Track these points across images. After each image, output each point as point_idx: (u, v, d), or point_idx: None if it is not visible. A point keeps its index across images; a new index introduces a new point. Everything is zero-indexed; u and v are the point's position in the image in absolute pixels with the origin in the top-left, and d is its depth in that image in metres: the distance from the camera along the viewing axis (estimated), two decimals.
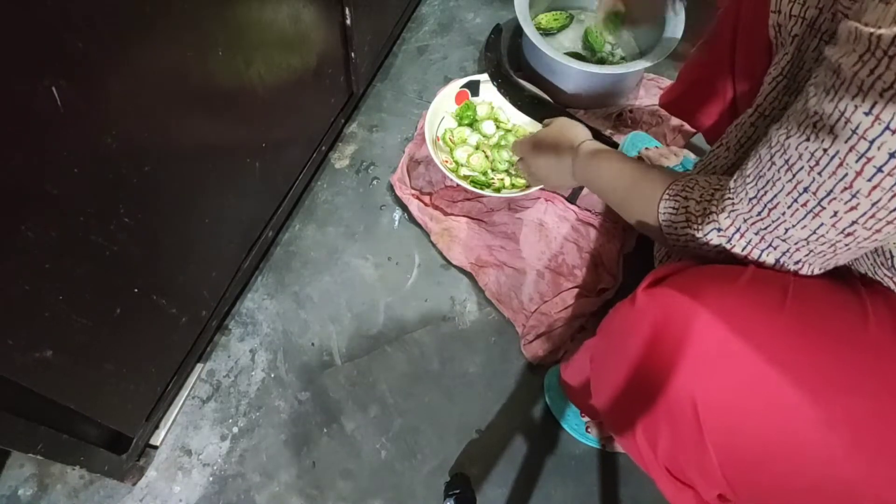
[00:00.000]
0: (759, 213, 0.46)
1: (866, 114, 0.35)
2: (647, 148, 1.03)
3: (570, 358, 0.80)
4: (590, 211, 1.04)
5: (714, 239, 0.50)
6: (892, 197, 0.36)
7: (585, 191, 1.05)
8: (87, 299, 0.57)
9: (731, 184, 0.49)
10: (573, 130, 0.75)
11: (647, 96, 1.20)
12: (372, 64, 1.17)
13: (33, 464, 0.83)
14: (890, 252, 0.46)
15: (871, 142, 0.35)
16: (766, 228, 0.46)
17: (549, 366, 0.92)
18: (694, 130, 1.11)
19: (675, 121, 1.13)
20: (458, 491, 0.79)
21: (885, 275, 0.48)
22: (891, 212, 0.37)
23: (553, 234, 1.02)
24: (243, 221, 0.88)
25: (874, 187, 0.37)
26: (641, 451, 0.54)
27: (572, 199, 1.05)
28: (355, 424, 0.88)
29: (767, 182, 0.44)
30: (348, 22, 0.94)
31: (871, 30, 0.34)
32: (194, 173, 0.68)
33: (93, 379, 0.64)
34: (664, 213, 0.55)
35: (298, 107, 0.91)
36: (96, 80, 0.48)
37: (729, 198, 0.49)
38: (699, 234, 0.51)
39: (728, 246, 0.50)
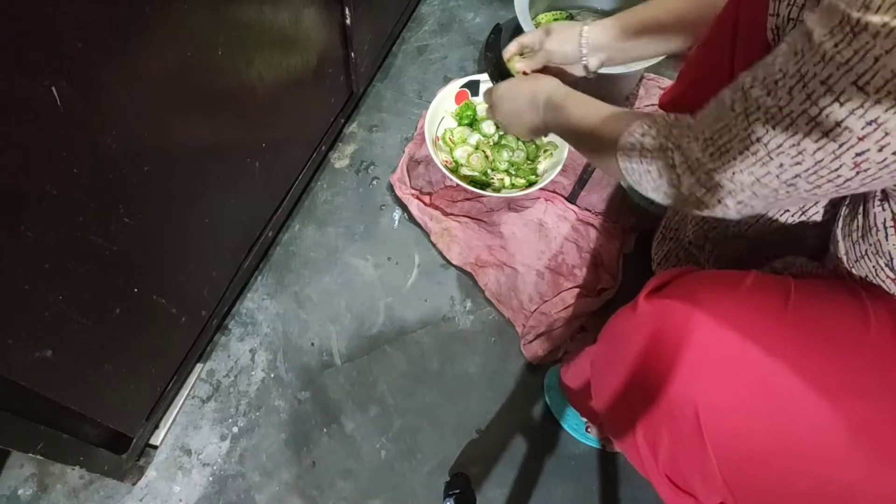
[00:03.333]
0: (712, 155, 0.47)
1: (822, 82, 0.37)
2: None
3: (570, 360, 0.80)
4: (590, 211, 1.04)
5: (665, 174, 0.51)
6: (834, 160, 0.39)
7: (585, 191, 1.05)
8: (87, 299, 0.57)
9: (689, 120, 0.50)
10: (545, 79, 0.76)
11: (647, 96, 1.20)
12: (372, 64, 1.17)
13: (33, 464, 0.83)
14: (890, 254, 0.46)
15: (822, 109, 0.37)
16: (714, 169, 0.47)
17: (548, 366, 0.92)
18: None
19: None
20: (458, 491, 0.79)
21: (888, 276, 0.48)
22: (832, 171, 0.40)
23: (553, 233, 1.02)
24: (243, 221, 0.88)
25: (819, 149, 0.39)
26: (642, 457, 0.54)
27: (572, 199, 1.05)
28: (355, 424, 0.88)
29: (724, 126, 0.45)
30: (348, 22, 0.94)
31: (844, 7, 0.36)
32: (194, 173, 0.68)
33: (93, 379, 0.64)
34: (622, 149, 0.56)
35: (298, 107, 0.91)
36: (96, 80, 0.48)
37: (686, 136, 0.50)
38: (651, 168, 0.52)
39: (677, 183, 0.51)
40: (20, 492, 0.80)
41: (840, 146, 0.38)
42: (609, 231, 1.02)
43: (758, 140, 0.42)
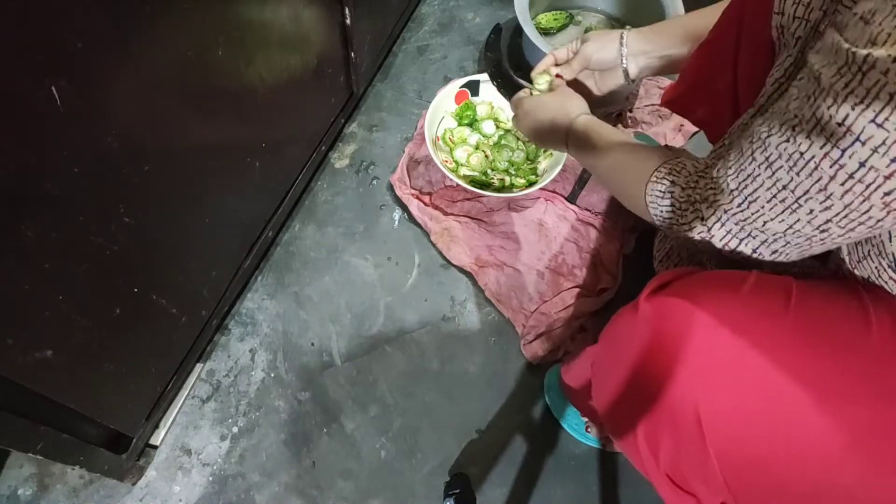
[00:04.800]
0: (740, 205, 0.47)
1: (839, 124, 0.36)
2: None
3: (570, 361, 0.80)
4: (590, 211, 1.04)
5: (697, 226, 0.52)
6: (864, 201, 0.38)
7: (585, 191, 1.05)
8: (87, 299, 0.57)
9: (714, 173, 0.50)
10: (573, 101, 0.75)
11: (647, 96, 1.20)
12: (372, 64, 1.17)
13: (33, 464, 0.82)
14: (893, 255, 0.46)
15: (843, 150, 0.37)
16: (745, 220, 0.47)
17: (548, 366, 0.92)
18: (694, 130, 1.11)
19: (675, 120, 1.13)
20: (457, 491, 0.79)
21: (890, 278, 0.48)
22: (862, 214, 0.39)
23: (553, 233, 1.02)
24: (243, 221, 0.88)
25: (846, 191, 0.38)
26: (643, 459, 0.54)
27: (572, 199, 1.05)
28: (355, 424, 0.88)
29: (748, 176, 0.45)
30: (348, 22, 0.94)
31: (848, 46, 0.35)
32: (194, 173, 0.68)
33: (93, 379, 0.64)
34: (651, 195, 0.56)
35: (298, 106, 0.90)
36: (96, 80, 0.48)
37: (711, 188, 0.50)
38: (682, 220, 0.53)
39: (708, 235, 0.51)
40: (20, 492, 0.80)
41: (867, 187, 0.37)
42: (609, 231, 1.01)
43: (784, 188, 0.42)
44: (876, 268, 0.48)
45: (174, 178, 0.64)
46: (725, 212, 0.49)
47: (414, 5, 1.33)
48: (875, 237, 0.48)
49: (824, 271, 0.57)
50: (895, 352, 0.45)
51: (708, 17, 0.68)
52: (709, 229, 0.51)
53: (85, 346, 0.60)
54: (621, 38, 0.75)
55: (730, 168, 0.48)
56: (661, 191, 0.55)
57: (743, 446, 0.45)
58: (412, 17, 1.34)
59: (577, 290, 0.97)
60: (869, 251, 0.49)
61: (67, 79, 0.45)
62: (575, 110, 0.73)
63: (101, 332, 0.61)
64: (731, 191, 0.47)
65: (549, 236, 1.01)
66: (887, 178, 0.36)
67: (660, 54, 0.75)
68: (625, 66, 0.76)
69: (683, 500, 0.53)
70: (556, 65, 0.82)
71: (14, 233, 0.46)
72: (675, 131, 1.13)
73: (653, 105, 1.16)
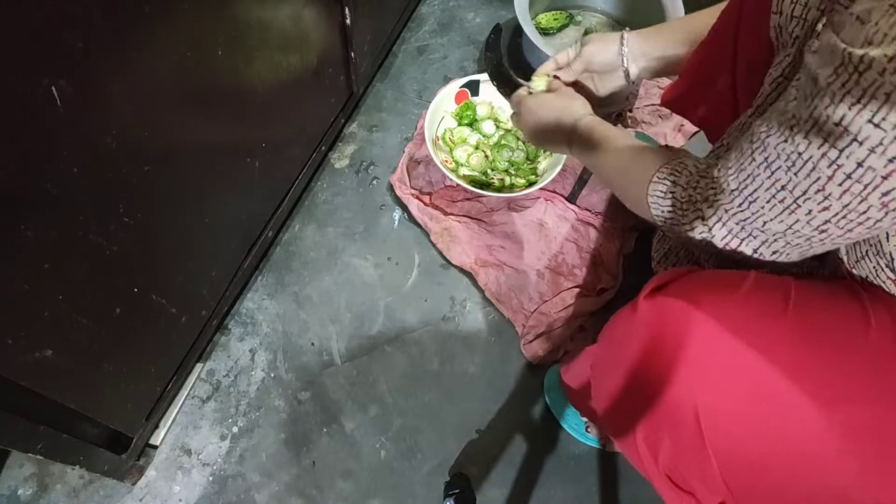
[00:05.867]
0: (740, 205, 0.47)
1: (836, 124, 0.37)
2: None
3: (570, 361, 0.80)
4: (590, 211, 1.04)
5: (698, 226, 0.52)
6: (861, 202, 0.38)
7: (585, 191, 1.05)
8: (87, 299, 0.57)
9: (715, 173, 0.50)
10: (578, 101, 0.75)
11: (647, 96, 1.20)
12: (372, 64, 1.17)
13: (33, 463, 0.83)
14: (891, 255, 0.46)
15: (841, 151, 0.37)
16: (745, 220, 0.48)
17: (548, 366, 0.92)
18: (694, 130, 1.11)
19: (675, 120, 1.13)
20: (457, 491, 0.79)
21: (888, 277, 0.48)
22: (860, 214, 0.39)
23: (553, 233, 1.02)
24: (243, 221, 0.88)
25: (844, 192, 0.39)
26: (643, 459, 0.54)
27: (572, 198, 1.05)
28: (355, 424, 0.88)
29: (748, 176, 0.46)
30: (348, 22, 0.94)
31: (844, 46, 0.35)
32: (194, 173, 0.68)
33: (93, 379, 0.64)
34: (653, 196, 0.56)
35: (298, 106, 0.91)
36: (96, 80, 0.48)
37: (712, 188, 0.50)
38: (683, 220, 0.53)
39: (709, 235, 0.51)
40: (20, 492, 0.80)
41: (865, 187, 0.37)
42: (609, 231, 1.02)
43: (783, 188, 0.42)
44: (874, 267, 0.49)
45: (174, 178, 0.64)
46: (726, 211, 0.49)
47: (414, 5, 1.33)
48: (873, 237, 0.48)
49: (823, 271, 0.57)
50: (894, 352, 0.45)
51: (708, 19, 0.68)
52: (710, 229, 0.51)
53: (85, 346, 0.60)
54: (622, 39, 0.75)
55: (730, 168, 0.48)
56: (662, 191, 0.55)
57: (742, 446, 0.45)
58: (412, 17, 1.34)
59: (577, 289, 0.97)
60: (867, 251, 0.49)
61: (67, 79, 0.45)
62: (580, 110, 0.73)
63: (101, 332, 0.61)
64: (732, 191, 0.48)
65: (549, 236, 1.01)
66: (885, 178, 0.36)
67: (660, 55, 0.74)
68: (625, 66, 0.76)
69: (683, 499, 0.53)
70: (559, 69, 0.82)
71: (14, 232, 0.46)
72: (675, 131, 1.13)
73: (653, 105, 1.16)
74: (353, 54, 1.01)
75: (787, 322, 0.45)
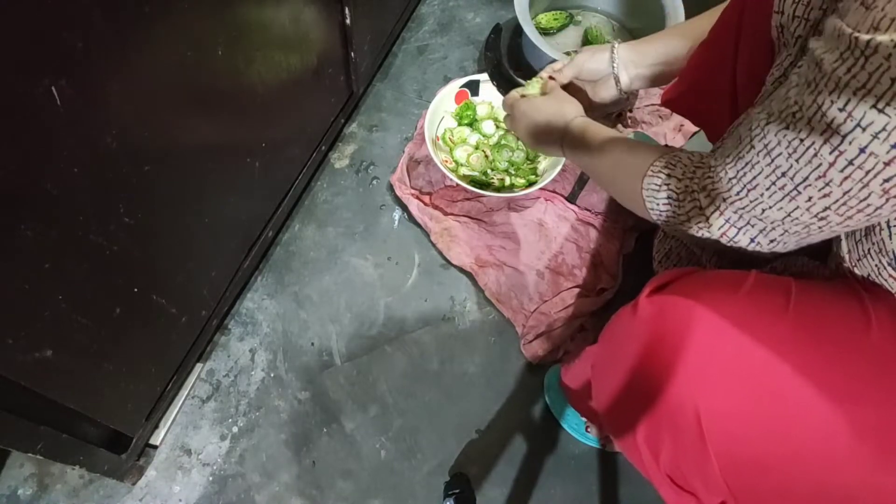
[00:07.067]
0: (738, 193, 0.47)
1: (840, 110, 0.36)
2: None
3: (570, 361, 0.80)
4: (590, 211, 1.04)
5: (694, 216, 0.51)
6: (862, 188, 0.38)
7: (585, 191, 1.05)
8: (87, 299, 0.57)
9: (713, 162, 0.50)
10: (569, 103, 0.75)
11: (647, 96, 1.20)
12: (372, 63, 1.17)
13: (33, 463, 0.83)
14: (893, 253, 0.46)
15: (844, 136, 0.37)
16: (744, 208, 0.47)
17: (548, 365, 0.92)
18: (694, 130, 1.11)
19: (675, 120, 1.13)
20: (457, 491, 0.79)
21: (890, 276, 0.48)
22: (861, 201, 0.39)
23: (553, 233, 1.02)
24: (243, 221, 0.88)
25: (845, 178, 0.38)
26: (643, 459, 0.54)
27: (572, 198, 1.05)
28: (355, 424, 0.88)
29: (747, 164, 0.45)
30: (348, 21, 0.94)
31: (850, 31, 0.35)
32: (194, 173, 0.68)
33: (93, 379, 0.64)
34: (647, 189, 0.56)
35: (298, 106, 0.90)
36: (96, 80, 0.48)
37: (709, 176, 0.50)
38: (679, 211, 0.53)
39: (706, 225, 0.51)
40: (20, 492, 0.80)
41: (866, 174, 0.37)
42: (609, 231, 1.01)
43: (783, 174, 0.42)
44: (876, 265, 0.48)
45: (174, 178, 0.64)
46: (724, 200, 0.48)
47: (414, 5, 1.33)
48: (875, 235, 0.47)
49: (824, 270, 0.57)
50: (894, 349, 0.45)
51: (704, 23, 0.68)
52: (707, 219, 0.50)
53: (85, 346, 0.60)
54: (612, 48, 0.76)
55: (728, 156, 0.48)
56: (657, 184, 0.55)
57: (743, 446, 0.45)
58: (412, 17, 1.34)
59: (577, 289, 0.97)
60: (869, 249, 0.49)
61: (67, 79, 0.45)
62: (571, 112, 0.73)
63: (101, 332, 0.61)
64: (730, 179, 0.47)
65: (549, 236, 1.01)
66: (887, 164, 0.36)
67: (651, 63, 0.75)
68: (616, 73, 0.76)
69: (684, 499, 0.53)
70: (552, 78, 0.83)
71: (14, 232, 0.46)
72: (675, 131, 1.12)
73: (653, 105, 1.16)
74: (353, 54, 1.01)
75: (789, 321, 0.45)
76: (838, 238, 0.53)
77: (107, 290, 0.60)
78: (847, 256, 0.52)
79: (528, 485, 0.84)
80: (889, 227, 0.46)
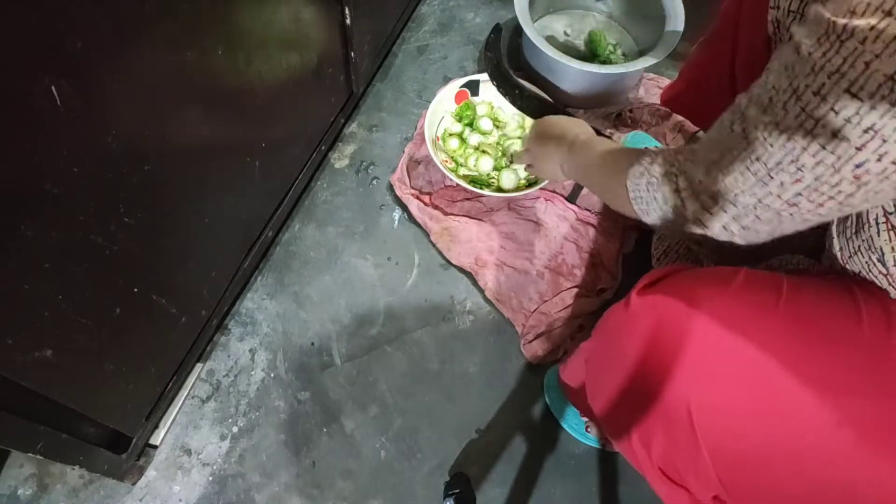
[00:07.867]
0: (714, 177, 0.47)
1: (815, 94, 0.37)
2: None
3: (568, 359, 0.80)
4: (589, 211, 1.04)
5: (671, 199, 0.51)
6: (834, 173, 0.38)
7: (585, 190, 1.05)
8: (87, 299, 0.57)
9: (694, 146, 0.50)
10: (572, 127, 0.75)
11: (647, 96, 1.20)
12: (372, 63, 1.17)
13: (33, 463, 0.83)
14: (881, 249, 0.46)
15: (817, 121, 0.37)
16: (717, 191, 0.47)
17: (548, 365, 0.92)
18: (694, 129, 1.11)
19: (675, 120, 1.13)
20: (457, 491, 0.79)
21: (880, 272, 0.48)
22: (832, 187, 0.39)
23: (553, 233, 1.02)
24: (243, 221, 0.88)
25: (817, 163, 0.38)
26: (636, 453, 0.54)
27: (572, 198, 1.05)
28: (355, 424, 0.88)
29: (725, 148, 0.45)
30: (348, 21, 0.94)
31: (829, 15, 0.36)
32: (194, 173, 0.68)
33: (93, 379, 0.64)
34: (631, 178, 0.56)
35: (298, 106, 0.91)
36: (96, 80, 0.48)
37: (689, 160, 0.50)
38: (658, 196, 0.52)
39: (683, 209, 0.50)
40: (20, 492, 0.80)
41: (838, 158, 0.37)
42: (609, 231, 1.02)
43: (757, 159, 0.42)
44: (866, 262, 0.49)
45: (174, 177, 0.64)
46: (700, 183, 0.48)
47: (414, 5, 1.33)
48: (864, 232, 0.48)
49: (819, 268, 0.57)
50: (887, 346, 0.45)
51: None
52: (683, 202, 0.50)
53: (85, 346, 0.60)
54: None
55: (710, 140, 0.48)
56: (640, 172, 0.55)
57: (736, 442, 0.45)
58: (412, 17, 1.34)
59: (577, 289, 0.97)
60: (859, 246, 0.49)
61: (67, 79, 0.45)
62: (581, 126, 0.75)
63: (101, 332, 0.61)
64: (708, 162, 0.47)
65: (549, 236, 1.01)
66: (858, 149, 0.36)
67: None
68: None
69: (676, 493, 0.53)
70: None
71: (14, 233, 0.46)
72: (674, 131, 1.12)
73: (653, 105, 1.16)
74: (353, 54, 1.01)
75: (780, 315, 0.45)
76: (831, 236, 0.54)
77: (107, 290, 0.60)
78: (839, 254, 0.52)
79: (528, 485, 0.84)
80: (877, 223, 0.46)
